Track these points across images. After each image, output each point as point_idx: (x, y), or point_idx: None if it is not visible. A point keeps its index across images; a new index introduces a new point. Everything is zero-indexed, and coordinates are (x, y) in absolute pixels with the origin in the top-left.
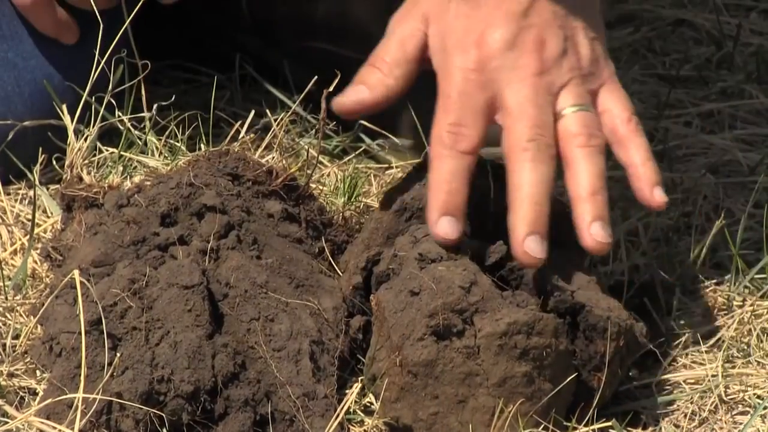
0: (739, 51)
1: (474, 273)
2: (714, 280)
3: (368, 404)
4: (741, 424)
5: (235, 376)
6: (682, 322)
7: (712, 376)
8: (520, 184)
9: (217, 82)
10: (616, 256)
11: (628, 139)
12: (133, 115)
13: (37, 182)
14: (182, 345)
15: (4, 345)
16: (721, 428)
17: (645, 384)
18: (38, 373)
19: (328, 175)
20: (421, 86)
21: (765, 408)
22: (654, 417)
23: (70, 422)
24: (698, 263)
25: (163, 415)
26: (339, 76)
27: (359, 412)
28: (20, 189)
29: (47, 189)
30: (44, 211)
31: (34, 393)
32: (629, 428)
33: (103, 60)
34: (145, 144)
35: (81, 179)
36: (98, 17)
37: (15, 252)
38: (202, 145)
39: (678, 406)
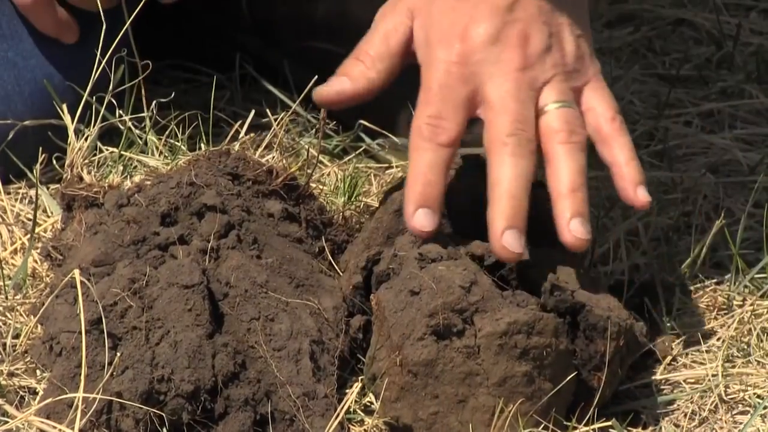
0: (739, 51)
1: (474, 273)
2: (714, 280)
3: (368, 404)
4: (741, 423)
5: (235, 376)
6: (682, 321)
7: (713, 375)
8: (499, 178)
9: (217, 82)
10: (616, 255)
11: (612, 138)
12: (133, 116)
13: (37, 182)
14: (182, 344)
15: (5, 344)
16: (721, 428)
17: (645, 383)
18: (38, 372)
19: (329, 174)
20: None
21: (765, 407)
22: (654, 416)
23: (70, 422)
24: (698, 263)
25: (164, 414)
26: None
27: (359, 411)
28: (20, 188)
29: (47, 188)
30: (44, 211)
31: (34, 392)
32: (629, 428)
33: (104, 60)
34: (146, 143)
35: (81, 179)
36: (101, 17)
37: (15, 251)
38: (203, 145)
39: (678, 405)
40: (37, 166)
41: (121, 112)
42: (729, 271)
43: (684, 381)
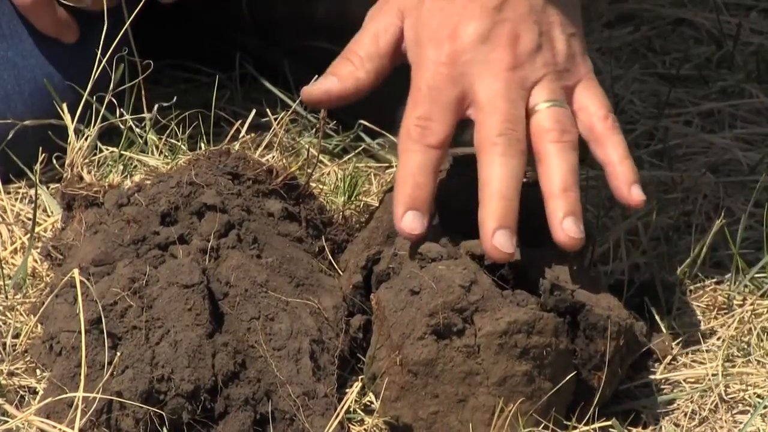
0: (739, 50)
1: (474, 272)
2: (714, 279)
3: (368, 403)
4: (741, 423)
5: (235, 375)
6: (682, 321)
7: (713, 375)
8: (490, 179)
9: (218, 82)
10: (616, 255)
11: (605, 137)
12: (134, 116)
13: (37, 181)
14: (182, 344)
15: (5, 344)
16: (721, 427)
17: (645, 383)
18: (38, 372)
19: (329, 174)
20: None
21: (765, 407)
22: (654, 416)
23: (70, 421)
24: (698, 262)
25: (164, 414)
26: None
27: (359, 411)
28: (20, 188)
29: (48, 188)
30: (44, 210)
31: (34, 392)
32: (629, 427)
33: (105, 59)
34: (146, 143)
35: (81, 178)
36: (104, 17)
37: (15, 251)
38: (203, 144)
39: (678, 405)
40: (37, 165)
41: (122, 110)
42: (729, 271)
43: (684, 380)
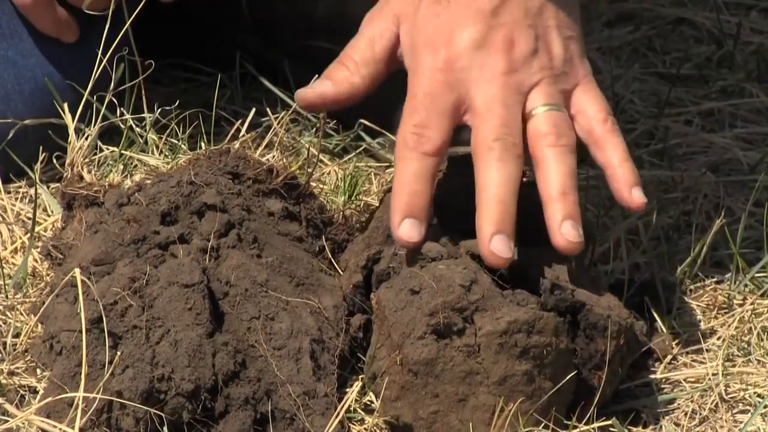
0: (739, 49)
1: (474, 271)
2: (714, 279)
3: (368, 403)
4: (741, 422)
5: (235, 375)
6: (682, 320)
7: (713, 374)
8: (486, 183)
9: (218, 81)
10: (616, 254)
11: (605, 140)
12: (134, 115)
13: (37, 180)
14: (183, 343)
15: (5, 343)
16: (721, 427)
17: (645, 382)
18: (38, 371)
19: (329, 173)
20: None
21: (765, 407)
22: (654, 415)
23: (71, 421)
24: (699, 262)
25: (164, 413)
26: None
27: (360, 410)
28: (21, 187)
29: (48, 187)
30: (45, 210)
31: (35, 391)
32: (630, 427)
33: (105, 59)
34: (146, 142)
35: (81, 178)
36: (108, 17)
37: (15, 250)
38: (203, 144)
39: (678, 404)
40: (38, 165)
41: (123, 110)
42: (729, 270)
43: (684, 380)
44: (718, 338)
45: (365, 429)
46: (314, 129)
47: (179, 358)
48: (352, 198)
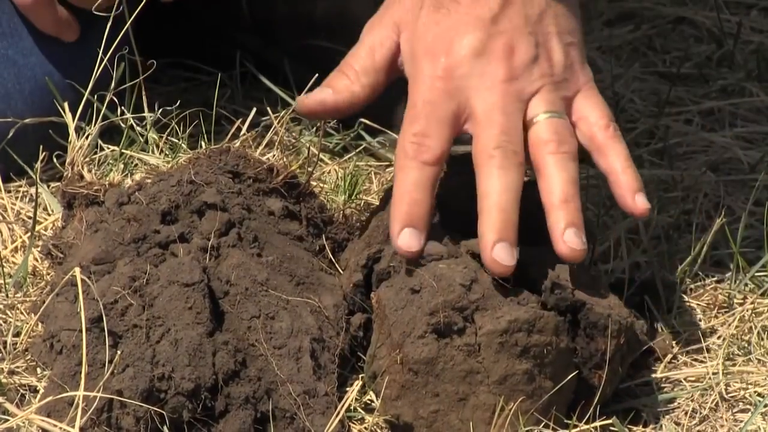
0: (739, 49)
1: (475, 271)
2: (715, 278)
3: (369, 402)
4: (742, 421)
5: (235, 374)
6: (682, 319)
7: (713, 373)
8: (488, 191)
9: (218, 80)
10: (616, 253)
11: (607, 146)
12: (134, 115)
13: (37, 180)
14: (183, 342)
15: (5, 342)
16: (721, 426)
17: (646, 382)
18: (39, 370)
19: (329, 172)
20: None
21: (766, 406)
22: (655, 415)
23: (71, 420)
24: (699, 261)
25: (164, 412)
26: None
27: (360, 409)
28: (21, 186)
29: (48, 186)
30: (45, 209)
31: (35, 390)
32: (630, 426)
33: (106, 58)
34: (146, 142)
35: (82, 177)
36: (110, 16)
37: (16, 249)
38: (203, 143)
39: (679, 403)
40: (38, 164)
41: (123, 109)
42: (729, 270)
43: (685, 379)
44: (719, 337)
45: (365, 428)
46: (314, 128)
47: (179, 357)
48: (353, 197)
